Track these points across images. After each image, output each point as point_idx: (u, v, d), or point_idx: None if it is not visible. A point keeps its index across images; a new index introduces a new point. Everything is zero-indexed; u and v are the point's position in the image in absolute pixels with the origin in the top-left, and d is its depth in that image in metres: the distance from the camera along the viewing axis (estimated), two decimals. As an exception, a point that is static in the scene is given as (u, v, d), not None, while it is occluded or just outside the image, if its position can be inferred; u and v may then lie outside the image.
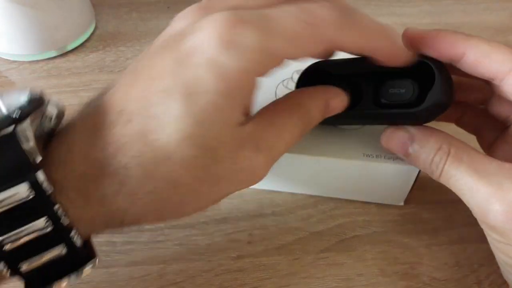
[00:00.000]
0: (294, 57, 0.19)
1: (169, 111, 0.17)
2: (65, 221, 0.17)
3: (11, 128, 0.17)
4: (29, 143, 0.17)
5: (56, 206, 0.17)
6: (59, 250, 0.18)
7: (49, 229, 0.17)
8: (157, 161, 0.17)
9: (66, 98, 0.35)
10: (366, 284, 0.26)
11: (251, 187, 0.30)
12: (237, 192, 0.30)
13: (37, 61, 0.39)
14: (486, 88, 0.24)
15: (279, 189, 0.30)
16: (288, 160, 0.27)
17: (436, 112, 0.23)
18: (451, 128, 0.28)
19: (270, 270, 0.26)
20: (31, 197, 0.16)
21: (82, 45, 0.41)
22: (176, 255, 0.27)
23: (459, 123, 0.27)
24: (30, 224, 0.17)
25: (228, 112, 0.18)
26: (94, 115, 0.18)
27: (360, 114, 0.24)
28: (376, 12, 0.46)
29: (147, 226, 0.28)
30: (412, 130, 0.23)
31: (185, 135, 0.17)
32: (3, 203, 0.16)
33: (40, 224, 0.17)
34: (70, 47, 0.40)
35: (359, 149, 0.27)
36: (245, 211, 0.29)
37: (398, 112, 0.23)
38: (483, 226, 0.22)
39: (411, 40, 0.23)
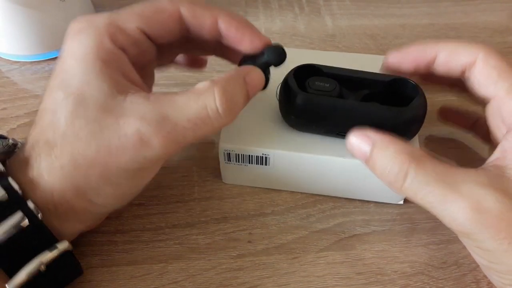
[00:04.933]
0: (147, 28, 0.24)
1: (54, 100, 0.22)
2: (18, 190, 0.21)
3: None
4: None
5: (10, 179, 0.21)
6: (19, 218, 0.21)
7: (5, 197, 0.21)
8: (56, 139, 0.21)
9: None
10: (365, 283, 0.26)
11: (250, 186, 0.30)
12: (237, 191, 0.31)
13: (39, 61, 0.39)
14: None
15: (279, 188, 0.30)
16: (288, 160, 0.28)
17: (419, 124, 0.26)
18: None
19: (270, 269, 0.27)
20: None
21: (83, 46, 0.41)
22: (176, 254, 0.27)
23: (473, 131, 0.28)
24: None
25: (97, 80, 0.21)
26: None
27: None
28: (375, 13, 0.46)
29: (148, 226, 0.28)
30: (372, 135, 0.23)
31: (70, 110, 0.21)
32: None
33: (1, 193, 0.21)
34: (71, 48, 0.40)
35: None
36: (245, 210, 0.29)
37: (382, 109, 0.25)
38: (460, 236, 0.23)
39: (395, 63, 0.27)
